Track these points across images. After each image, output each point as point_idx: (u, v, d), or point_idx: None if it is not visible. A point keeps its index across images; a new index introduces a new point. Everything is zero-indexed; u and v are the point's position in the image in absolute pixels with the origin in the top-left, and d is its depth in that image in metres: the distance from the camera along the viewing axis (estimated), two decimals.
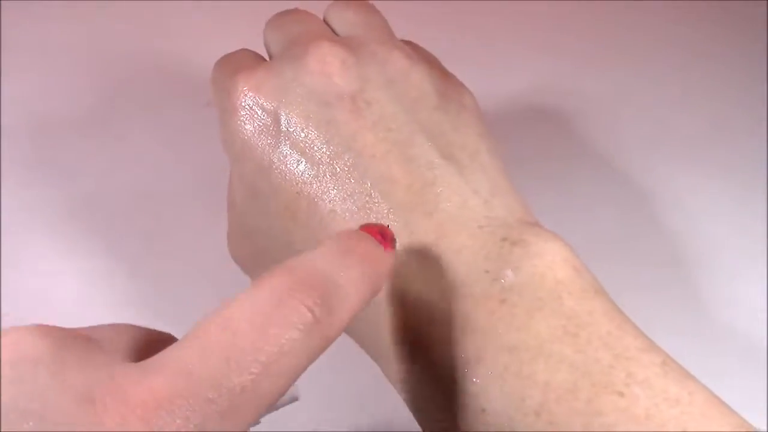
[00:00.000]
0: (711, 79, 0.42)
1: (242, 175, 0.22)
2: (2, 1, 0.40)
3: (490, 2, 0.44)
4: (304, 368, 0.14)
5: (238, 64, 0.23)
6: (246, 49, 0.25)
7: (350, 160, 0.21)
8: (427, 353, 0.19)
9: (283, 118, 0.21)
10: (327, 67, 0.22)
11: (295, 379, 0.14)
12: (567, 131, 0.38)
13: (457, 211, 0.20)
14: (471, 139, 0.22)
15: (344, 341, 0.22)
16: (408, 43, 0.25)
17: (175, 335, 0.29)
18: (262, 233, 0.22)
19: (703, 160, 0.38)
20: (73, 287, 0.31)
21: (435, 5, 0.44)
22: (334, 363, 0.24)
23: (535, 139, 0.38)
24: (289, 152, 0.21)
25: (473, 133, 0.22)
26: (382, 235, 0.17)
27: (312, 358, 0.14)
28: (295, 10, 0.25)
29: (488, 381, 0.17)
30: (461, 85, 0.24)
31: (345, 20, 0.25)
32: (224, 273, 0.32)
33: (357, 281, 0.16)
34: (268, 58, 0.25)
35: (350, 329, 0.21)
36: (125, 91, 0.38)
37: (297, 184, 0.21)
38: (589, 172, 0.37)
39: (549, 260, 0.19)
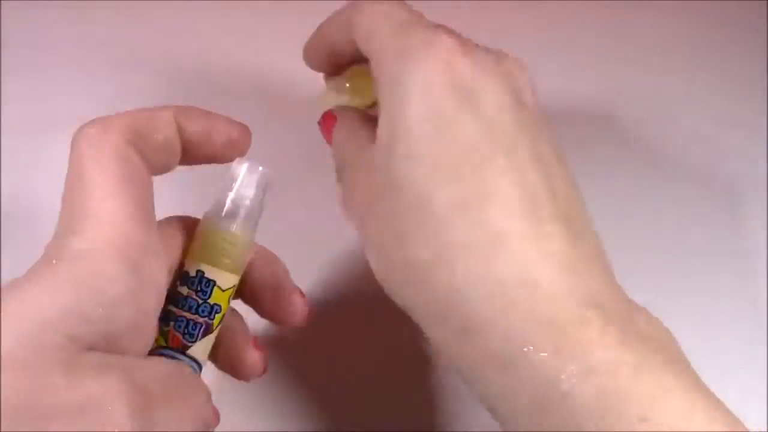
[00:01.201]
0: (711, 78, 0.42)
1: (418, 126, 0.22)
2: (2, 1, 0.40)
3: (491, 2, 0.44)
4: None
5: (432, 24, 0.23)
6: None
7: (533, 155, 0.22)
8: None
9: (480, 93, 0.22)
10: (522, 75, 0.24)
11: None
12: (567, 131, 0.38)
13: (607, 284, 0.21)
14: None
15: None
16: None
17: None
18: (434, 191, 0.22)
19: (703, 160, 0.38)
20: None
21: (436, 5, 0.44)
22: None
23: None
24: (476, 121, 0.21)
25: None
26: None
27: None
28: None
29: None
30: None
31: None
32: None
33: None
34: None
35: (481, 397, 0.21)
36: (125, 91, 0.38)
37: (477, 154, 0.21)
38: (589, 171, 0.37)
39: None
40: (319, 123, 0.27)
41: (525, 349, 0.19)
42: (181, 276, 0.23)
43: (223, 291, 0.23)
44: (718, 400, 0.20)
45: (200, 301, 0.22)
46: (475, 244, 0.20)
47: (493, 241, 0.20)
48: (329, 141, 0.27)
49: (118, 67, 0.39)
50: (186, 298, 0.22)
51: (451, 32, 0.23)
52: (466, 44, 0.23)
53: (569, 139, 0.25)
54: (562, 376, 0.19)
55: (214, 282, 0.22)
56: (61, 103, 0.37)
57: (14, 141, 0.35)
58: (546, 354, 0.19)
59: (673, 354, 0.21)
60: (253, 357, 0.25)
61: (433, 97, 0.21)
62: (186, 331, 0.22)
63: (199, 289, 0.22)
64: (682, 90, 0.41)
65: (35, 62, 0.39)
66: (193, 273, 0.23)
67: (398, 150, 0.22)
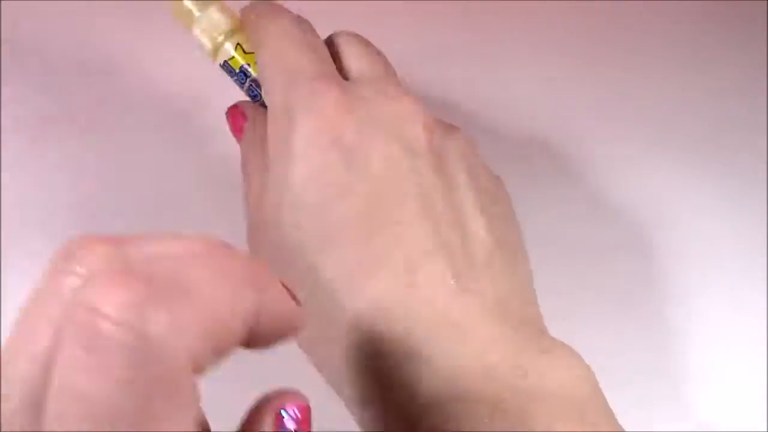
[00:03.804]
0: (711, 78, 0.42)
1: (288, 175, 0.21)
2: (2, 1, 0.40)
3: (491, 2, 0.44)
4: None
5: (321, 68, 0.22)
6: (323, 48, 0.23)
7: (420, 209, 0.21)
8: (455, 423, 0.19)
9: (363, 148, 0.21)
10: (418, 119, 0.22)
11: None
12: (567, 131, 0.38)
13: (497, 305, 0.20)
14: (516, 243, 0.23)
15: None
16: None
17: None
18: (299, 229, 0.21)
19: (704, 160, 0.38)
20: None
21: (436, 5, 0.44)
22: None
23: (535, 138, 0.37)
24: (354, 182, 0.21)
25: (517, 239, 0.23)
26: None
27: None
28: (373, 45, 0.25)
29: None
30: (507, 196, 0.24)
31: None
32: None
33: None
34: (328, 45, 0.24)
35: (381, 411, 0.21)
36: (126, 91, 0.38)
37: (349, 208, 0.20)
38: (588, 170, 0.37)
39: (575, 375, 0.20)
40: (226, 114, 0.26)
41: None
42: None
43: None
44: None
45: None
46: (358, 317, 0.20)
47: (374, 313, 0.20)
48: (237, 137, 0.26)
49: (119, 67, 0.39)
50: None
51: (336, 82, 0.22)
52: (351, 93, 0.21)
53: (568, 139, 0.25)
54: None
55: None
56: (61, 103, 0.37)
57: (14, 141, 0.35)
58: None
59: None
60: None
61: (317, 161, 0.20)
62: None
63: None
64: (682, 90, 0.41)
65: (35, 62, 0.39)
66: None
67: (285, 218, 0.21)
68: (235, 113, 0.26)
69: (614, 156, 0.37)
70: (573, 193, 0.36)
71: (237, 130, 0.25)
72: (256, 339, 0.14)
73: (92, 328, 0.11)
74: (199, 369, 0.12)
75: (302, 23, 0.24)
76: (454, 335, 0.20)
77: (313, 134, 0.21)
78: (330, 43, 0.25)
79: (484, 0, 0.43)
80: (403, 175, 0.21)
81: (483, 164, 0.23)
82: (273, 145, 0.22)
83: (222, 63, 0.26)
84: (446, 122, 0.23)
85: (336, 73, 0.23)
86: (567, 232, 0.34)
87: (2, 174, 0.34)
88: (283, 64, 0.22)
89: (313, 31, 0.24)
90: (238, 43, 0.25)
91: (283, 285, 0.15)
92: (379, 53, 0.25)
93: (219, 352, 0.12)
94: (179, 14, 0.26)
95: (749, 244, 0.35)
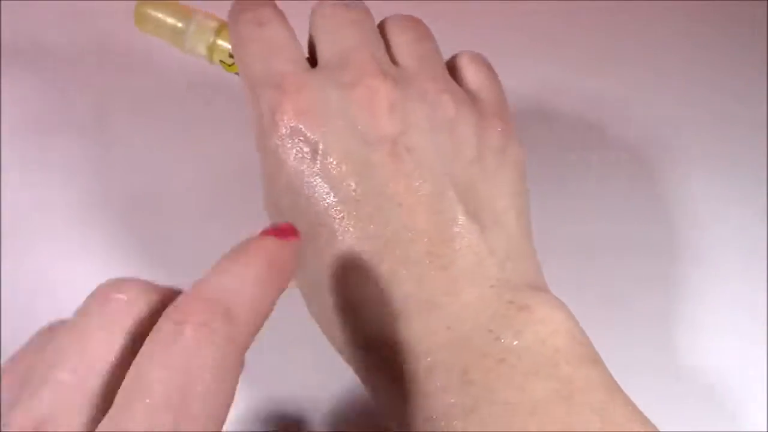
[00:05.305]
0: (711, 78, 0.42)
1: (271, 186, 0.22)
2: (2, 1, 0.40)
3: (491, 2, 0.44)
4: (233, 380, 0.15)
5: (282, 69, 0.22)
6: (289, 42, 0.23)
7: (378, 204, 0.21)
8: (424, 399, 0.19)
9: (321, 148, 0.21)
10: (375, 104, 0.21)
11: (231, 390, 0.15)
12: (568, 130, 0.38)
13: (471, 269, 0.21)
14: (503, 198, 0.22)
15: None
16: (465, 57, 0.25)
17: None
18: None
19: (704, 160, 0.38)
20: (72, 288, 0.31)
21: (437, 5, 0.44)
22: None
23: (535, 138, 0.38)
24: (320, 183, 0.21)
25: (506, 192, 0.23)
26: (277, 230, 0.17)
27: (233, 367, 0.15)
28: (354, 6, 0.24)
29: (480, 431, 0.18)
30: (510, 136, 0.24)
31: (401, 42, 0.24)
32: None
33: (256, 278, 0.16)
34: (309, 38, 0.24)
35: (354, 366, 0.22)
36: (126, 91, 0.38)
37: (321, 215, 0.21)
38: (588, 170, 0.37)
39: (551, 329, 0.19)
40: None
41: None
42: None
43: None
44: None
45: None
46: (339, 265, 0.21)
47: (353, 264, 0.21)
48: None
49: (119, 66, 0.39)
50: None
51: (291, 84, 0.22)
52: (306, 91, 0.21)
53: (567, 140, 0.25)
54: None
55: None
56: (61, 103, 0.37)
57: (14, 141, 0.35)
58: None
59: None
60: None
61: (287, 167, 0.21)
62: None
63: None
64: (682, 90, 0.41)
65: (35, 62, 0.39)
66: None
67: (274, 218, 0.22)
68: None
69: (614, 156, 0.37)
70: (573, 193, 0.36)
71: None
72: None
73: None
74: (246, 349, 0.15)
75: (260, 18, 0.24)
76: (425, 309, 0.20)
77: (279, 144, 0.21)
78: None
79: (484, 0, 0.43)
80: (354, 171, 0.21)
81: (462, 118, 0.22)
82: (259, 152, 0.23)
83: (219, 61, 0.27)
84: (417, 80, 0.23)
85: (298, 67, 0.22)
86: (567, 231, 0.34)
87: (2, 174, 0.34)
88: (248, 77, 0.23)
89: (275, 23, 0.23)
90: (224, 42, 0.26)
91: (286, 228, 0.17)
92: (352, 28, 0.24)
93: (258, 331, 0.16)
94: (159, 30, 0.27)
95: (750, 244, 0.35)
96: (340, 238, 0.21)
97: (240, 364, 0.15)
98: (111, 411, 0.14)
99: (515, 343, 0.19)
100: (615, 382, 0.19)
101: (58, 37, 0.40)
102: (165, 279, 0.30)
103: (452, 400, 0.19)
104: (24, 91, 0.38)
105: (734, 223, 0.35)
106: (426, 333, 0.20)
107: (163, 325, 0.14)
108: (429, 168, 0.21)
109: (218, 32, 0.26)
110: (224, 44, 0.26)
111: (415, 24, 0.25)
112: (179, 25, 0.27)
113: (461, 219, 0.21)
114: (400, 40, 0.24)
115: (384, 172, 0.21)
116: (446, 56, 0.26)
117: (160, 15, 0.27)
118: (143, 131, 0.36)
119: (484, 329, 0.20)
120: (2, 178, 0.33)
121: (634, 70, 0.42)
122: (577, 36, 0.43)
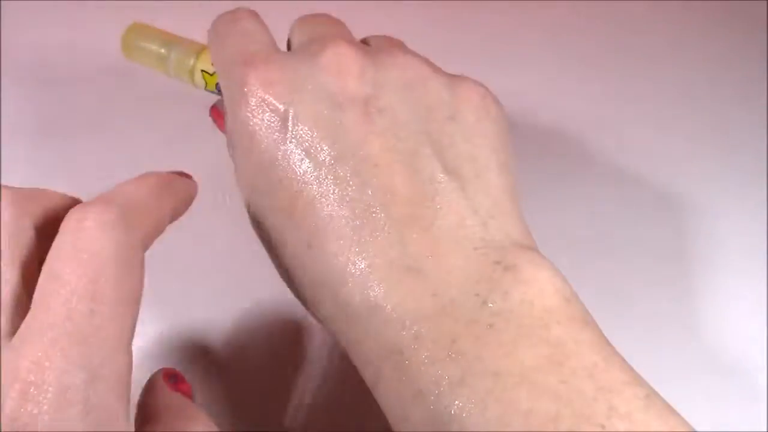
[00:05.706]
0: (711, 78, 0.42)
1: (245, 162, 0.22)
2: (2, 1, 0.40)
3: (491, 2, 0.44)
4: (138, 271, 0.17)
5: (251, 49, 0.22)
6: (260, 30, 0.24)
7: (353, 167, 0.20)
8: (413, 372, 0.18)
9: (291, 116, 0.21)
10: (343, 67, 0.21)
11: (138, 280, 0.17)
12: (568, 130, 0.38)
13: (454, 229, 0.20)
14: (483, 152, 0.22)
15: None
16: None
17: (175, 335, 0.29)
18: (261, 224, 0.22)
19: (704, 160, 0.38)
20: None
21: (437, 5, 0.44)
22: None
23: (535, 138, 0.38)
24: (293, 150, 0.21)
25: (487, 146, 0.22)
26: (174, 172, 0.22)
27: (135, 259, 0.17)
28: (326, 15, 0.25)
29: (470, 404, 0.17)
30: (486, 94, 0.23)
31: (374, 39, 0.25)
32: (225, 272, 0.32)
33: (150, 190, 0.19)
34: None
35: (343, 341, 0.21)
36: (126, 91, 0.38)
37: (297, 183, 0.20)
38: (589, 170, 0.37)
39: (539, 288, 0.19)
40: (209, 113, 0.28)
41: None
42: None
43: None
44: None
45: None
46: (334, 275, 0.20)
47: (342, 278, 0.20)
48: (222, 131, 0.26)
49: (118, 66, 0.39)
50: None
51: (262, 59, 0.22)
52: (273, 63, 0.21)
53: (566, 140, 0.25)
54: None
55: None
56: (61, 102, 0.37)
57: (14, 141, 0.35)
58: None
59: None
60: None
61: (259, 139, 0.21)
62: None
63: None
64: (682, 90, 0.41)
65: (35, 62, 0.39)
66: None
67: (250, 201, 0.22)
68: (214, 111, 0.28)
69: (614, 156, 0.37)
70: (573, 192, 0.36)
71: (221, 126, 0.27)
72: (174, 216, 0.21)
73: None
74: (147, 247, 0.19)
75: (236, 16, 0.24)
76: (409, 275, 0.19)
77: (250, 120, 0.21)
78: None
79: (481, 0, 0.43)
80: (326, 138, 0.21)
81: (434, 77, 0.22)
82: (229, 136, 0.23)
83: (203, 87, 0.29)
84: (386, 49, 0.23)
85: (270, 49, 0.23)
86: (567, 230, 0.34)
87: (2, 174, 0.34)
88: (220, 62, 0.23)
89: (249, 18, 0.24)
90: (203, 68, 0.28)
91: (182, 173, 0.22)
92: (326, 19, 0.25)
93: (157, 235, 0.20)
94: (145, 59, 0.29)
95: (751, 244, 0.35)
96: (318, 205, 0.20)
97: (141, 260, 0.17)
98: (32, 307, 0.16)
99: (503, 306, 0.18)
100: (608, 344, 0.19)
101: (58, 37, 0.40)
102: (165, 279, 0.31)
103: (439, 372, 0.18)
104: (24, 92, 0.38)
105: (734, 222, 0.35)
106: (411, 301, 0.19)
107: (67, 222, 0.17)
108: (403, 127, 0.21)
109: (199, 55, 0.28)
110: (205, 65, 0.27)
111: (396, 42, 0.25)
112: (162, 51, 0.28)
113: (440, 176, 0.21)
114: (374, 38, 0.25)
115: (357, 133, 0.21)
116: (445, 63, 0.26)
117: (144, 43, 0.29)
118: (143, 133, 0.36)
119: (471, 293, 0.19)
120: (2, 178, 0.33)
121: (634, 69, 0.42)
122: (577, 36, 0.43)
